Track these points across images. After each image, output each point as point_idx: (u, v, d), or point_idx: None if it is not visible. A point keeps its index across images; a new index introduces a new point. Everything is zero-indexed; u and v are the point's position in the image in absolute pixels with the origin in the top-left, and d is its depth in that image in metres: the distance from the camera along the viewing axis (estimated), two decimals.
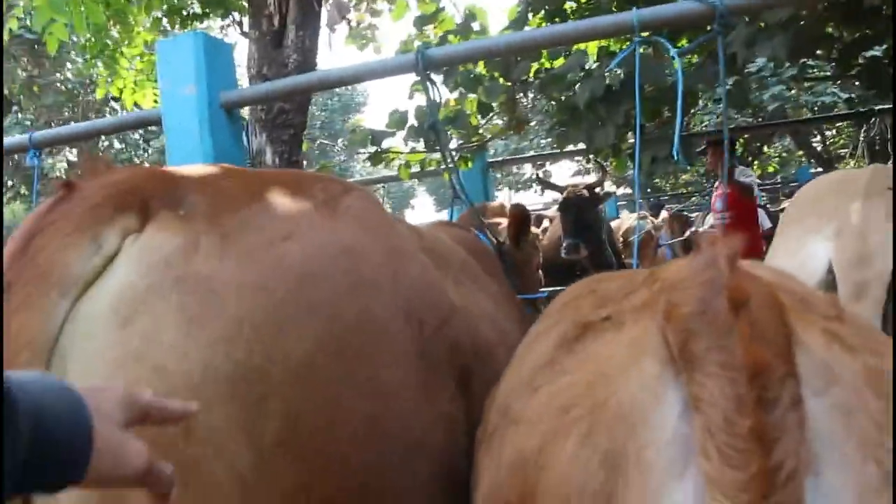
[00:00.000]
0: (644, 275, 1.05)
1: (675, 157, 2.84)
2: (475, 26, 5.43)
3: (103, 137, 14.73)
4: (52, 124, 15.12)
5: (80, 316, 0.98)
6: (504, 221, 3.41)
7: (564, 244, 5.39)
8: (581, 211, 5.49)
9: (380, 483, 1.11)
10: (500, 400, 1.08)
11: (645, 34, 2.79)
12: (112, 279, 1.02)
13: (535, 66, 5.19)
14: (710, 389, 0.69)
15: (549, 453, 0.82)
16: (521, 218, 3.18)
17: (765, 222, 7.05)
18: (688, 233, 7.95)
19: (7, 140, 3.70)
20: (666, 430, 0.72)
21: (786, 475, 0.64)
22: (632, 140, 5.07)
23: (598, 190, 5.75)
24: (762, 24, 3.94)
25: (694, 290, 0.77)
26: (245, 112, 5.28)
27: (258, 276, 1.06)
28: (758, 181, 7.61)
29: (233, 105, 3.35)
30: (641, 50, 2.89)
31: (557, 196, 6.03)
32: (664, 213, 9.85)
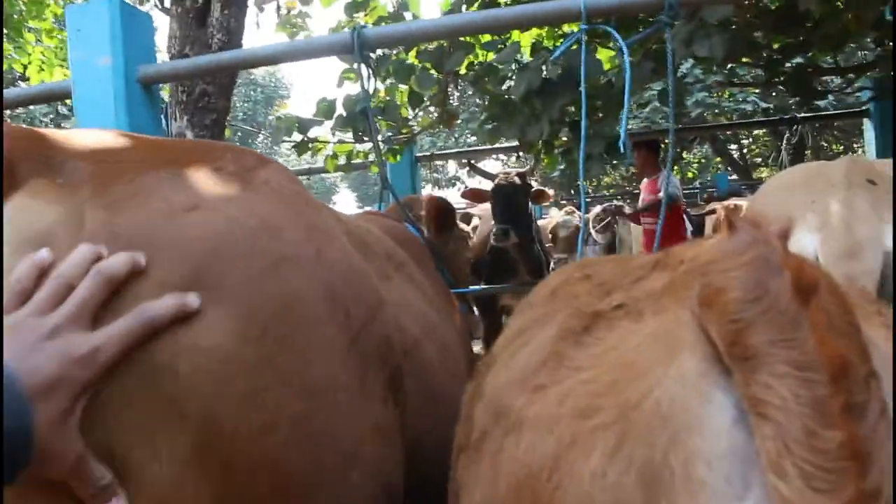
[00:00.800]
0: (646, 260, 0.90)
1: (622, 150, 2.75)
2: (407, 16, 5.26)
3: (7, 113, 13.94)
4: None
5: None
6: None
7: (494, 230, 5.30)
8: (511, 197, 5.43)
9: (307, 499, 0.92)
10: (489, 400, 0.90)
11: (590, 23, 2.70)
12: None
13: (469, 58, 5.06)
14: (781, 393, 0.53)
15: (566, 469, 0.65)
16: (441, 210, 3.03)
17: (687, 227, 7.12)
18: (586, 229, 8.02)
19: None
20: (719, 440, 0.56)
21: (885, 501, 0.50)
22: (565, 138, 5.01)
23: (528, 178, 5.69)
24: (701, 22, 3.91)
25: (741, 272, 0.62)
26: (164, 94, 4.98)
27: (155, 252, 0.86)
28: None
29: (151, 80, 3.09)
30: (586, 38, 2.79)
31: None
32: (595, 209, 9.88)
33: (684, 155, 16.39)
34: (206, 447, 0.81)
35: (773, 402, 0.54)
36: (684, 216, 7.10)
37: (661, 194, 6.06)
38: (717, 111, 13.00)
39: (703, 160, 18.96)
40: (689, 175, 18.12)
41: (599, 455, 0.62)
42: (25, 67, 5.92)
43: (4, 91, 3.49)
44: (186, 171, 1.00)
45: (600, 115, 4.84)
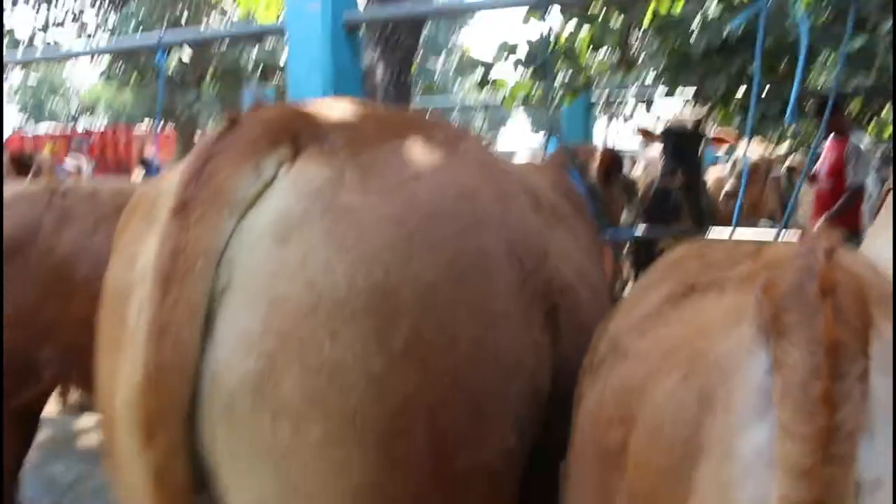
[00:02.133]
0: (749, 249, 1.18)
1: (789, 118, 2.84)
2: None
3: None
4: (169, 18, 15.50)
5: (244, 232, 1.15)
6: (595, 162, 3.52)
7: (662, 168, 5.35)
8: (682, 140, 5.39)
9: (482, 395, 1.27)
10: (610, 336, 1.23)
11: None
12: (271, 203, 1.18)
13: (652, 7, 5.12)
14: (793, 357, 0.81)
15: (651, 386, 0.96)
16: (610, 160, 3.27)
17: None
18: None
19: (139, 39, 3.94)
20: (753, 382, 0.85)
21: (845, 433, 0.77)
22: (742, 93, 4.97)
23: (701, 127, 5.66)
24: None
25: (791, 273, 0.88)
26: None
27: (394, 210, 1.21)
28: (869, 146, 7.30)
29: (354, 25, 3.47)
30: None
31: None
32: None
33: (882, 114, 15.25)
34: (411, 351, 1.17)
35: (788, 361, 0.81)
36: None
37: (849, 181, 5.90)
38: None
39: None
40: (886, 136, 16.85)
41: (673, 380, 0.93)
42: None
43: (225, 29, 4.00)
44: (408, 141, 1.35)
45: (782, 72, 4.80)
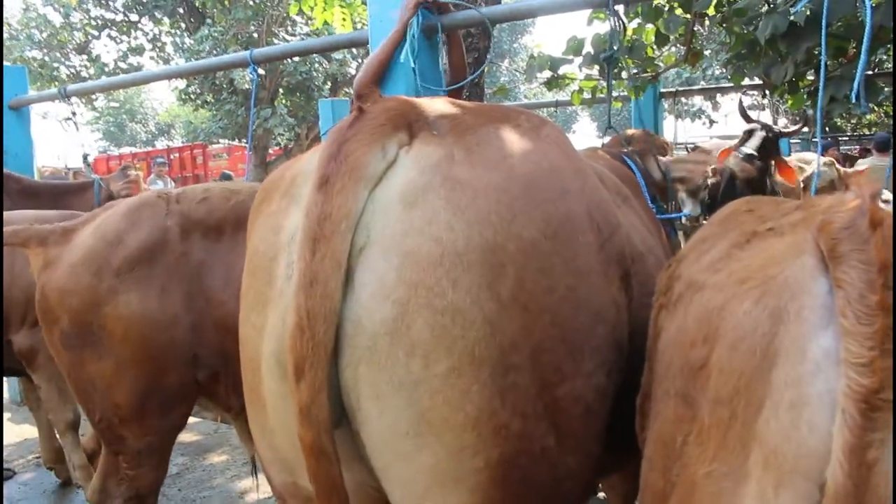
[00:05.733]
0: (791, 204, 1.39)
1: (856, 101, 2.91)
2: None
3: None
4: (239, 37, 16.10)
5: (376, 201, 1.38)
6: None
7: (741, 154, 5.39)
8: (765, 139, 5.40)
9: (574, 336, 1.47)
10: (683, 279, 1.42)
11: None
12: (397, 176, 1.41)
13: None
14: (851, 276, 0.97)
15: (729, 308, 1.15)
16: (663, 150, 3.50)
17: None
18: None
19: (230, 55, 4.25)
20: (818, 299, 1.02)
21: None
22: (810, 78, 4.99)
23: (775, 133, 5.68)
24: None
25: (845, 213, 1.05)
26: None
27: (498, 181, 1.42)
28: None
29: (433, 30, 3.69)
30: None
31: (724, 132, 5.99)
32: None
33: None
34: (517, 297, 1.37)
35: (846, 280, 0.98)
36: None
37: None
38: None
39: None
40: None
41: (749, 302, 1.11)
42: (312, 8, 6.79)
43: (313, 40, 4.27)
44: (501, 127, 1.57)
45: (853, 51, 4.81)
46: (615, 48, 3.53)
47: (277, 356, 1.42)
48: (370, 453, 1.42)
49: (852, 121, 17.28)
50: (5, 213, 3.89)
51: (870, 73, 6.33)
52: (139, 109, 36.67)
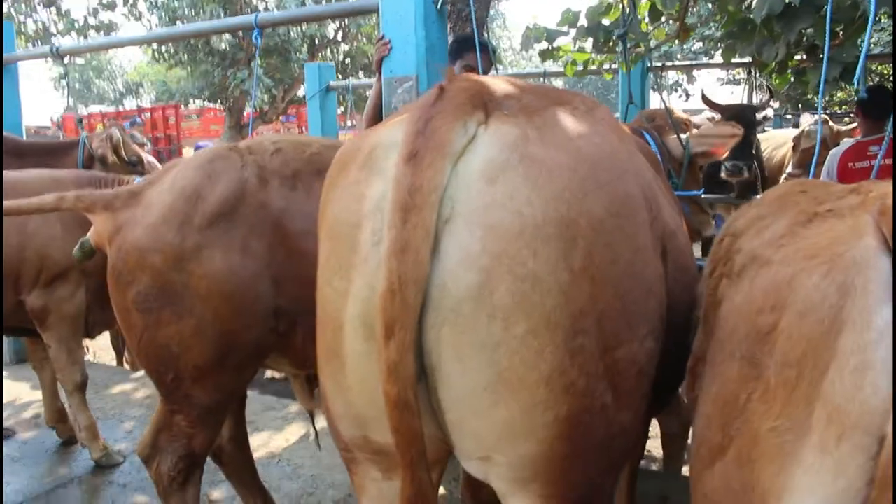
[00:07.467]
0: (843, 188, 1.53)
1: (856, 85, 3.04)
2: None
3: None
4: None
5: (459, 175, 1.48)
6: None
7: (729, 165, 5.56)
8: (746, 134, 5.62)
9: (632, 306, 1.59)
10: (745, 252, 1.55)
11: None
12: (477, 153, 1.51)
13: None
14: None
15: (797, 281, 1.27)
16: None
17: None
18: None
19: (234, 18, 4.25)
20: (882, 276, 1.15)
21: None
22: (799, 58, 5.12)
23: (760, 114, 5.86)
24: None
25: None
26: None
27: (569, 160, 1.53)
28: None
29: (444, 0, 3.76)
30: None
31: (700, 105, 6.17)
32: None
33: None
34: (586, 267, 1.49)
35: None
36: None
37: None
38: None
39: None
40: None
41: (817, 276, 1.23)
42: None
43: (320, 6, 4.31)
44: (562, 109, 1.68)
45: (841, 37, 4.95)
46: (627, 25, 3.60)
47: (364, 318, 1.52)
48: (446, 407, 1.54)
49: (825, 98, 17.55)
50: (17, 172, 3.90)
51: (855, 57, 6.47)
52: (106, 66, 35.89)
